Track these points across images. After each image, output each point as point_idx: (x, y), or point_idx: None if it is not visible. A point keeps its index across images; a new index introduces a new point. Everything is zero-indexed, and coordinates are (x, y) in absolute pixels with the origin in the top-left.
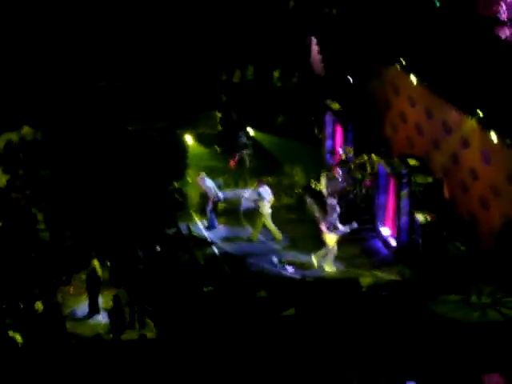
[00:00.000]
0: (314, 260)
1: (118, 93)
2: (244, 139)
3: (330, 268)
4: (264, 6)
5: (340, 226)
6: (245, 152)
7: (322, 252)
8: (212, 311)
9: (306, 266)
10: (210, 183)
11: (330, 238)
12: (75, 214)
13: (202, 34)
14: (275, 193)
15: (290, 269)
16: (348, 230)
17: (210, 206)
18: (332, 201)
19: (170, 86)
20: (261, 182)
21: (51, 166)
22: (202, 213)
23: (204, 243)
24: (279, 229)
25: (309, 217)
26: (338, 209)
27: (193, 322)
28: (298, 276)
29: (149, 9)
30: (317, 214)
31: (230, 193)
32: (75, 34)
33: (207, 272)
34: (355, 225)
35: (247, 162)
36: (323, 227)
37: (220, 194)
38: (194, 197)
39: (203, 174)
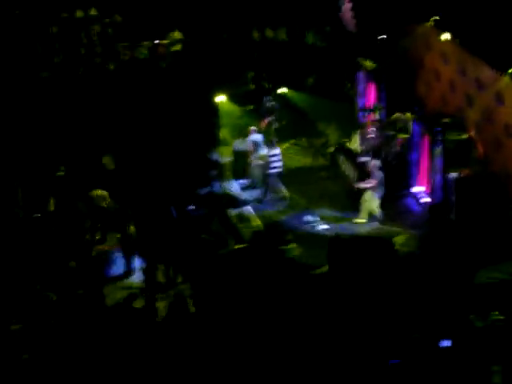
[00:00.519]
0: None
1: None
2: (270, 102)
3: (361, 219)
4: None
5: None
6: (271, 116)
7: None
8: (243, 268)
9: (339, 223)
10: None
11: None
12: (108, 173)
13: None
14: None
15: (324, 225)
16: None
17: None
18: (370, 160)
19: (200, 44)
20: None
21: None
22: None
23: (237, 202)
24: (314, 188)
25: (342, 174)
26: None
27: (224, 279)
28: (331, 233)
29: None
30: (349, 172)
31: None
32: None
33: (240, 230)
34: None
35: (273, 125)
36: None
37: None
38: (226, 155)
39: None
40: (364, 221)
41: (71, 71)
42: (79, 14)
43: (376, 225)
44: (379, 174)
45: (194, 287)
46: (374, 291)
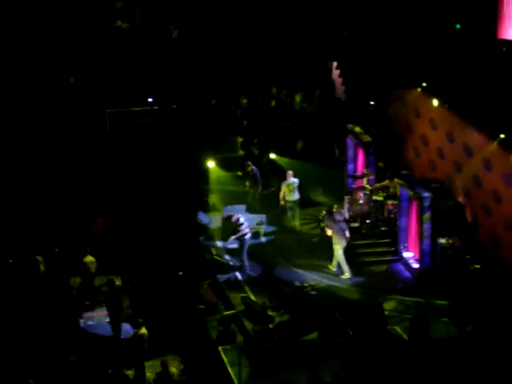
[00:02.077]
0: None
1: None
2: (249, 166)
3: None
4: (284, 31)
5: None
6: (248, 180)
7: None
8: (230, 334)
9: (330, 290)
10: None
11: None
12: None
13: (223, 58)
14: None
15: (313, 292)
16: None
17: None
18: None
19: (192, 110)
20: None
21: None
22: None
23: (226, 268)
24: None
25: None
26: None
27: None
28: (320, 299)
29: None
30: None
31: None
32: None
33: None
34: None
35: (255, 191)
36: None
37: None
38: (216, 219)
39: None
40: (347, 276)
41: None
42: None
43: (365, 290)
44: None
45: (183, 357)
46: (364, 357)
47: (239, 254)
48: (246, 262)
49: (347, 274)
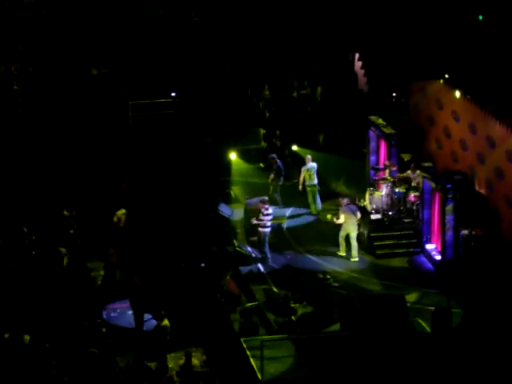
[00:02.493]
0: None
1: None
2: (274, 159)
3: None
4: (307, 22)
5: None
6: (277, 174)
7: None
8: (252, 325)
9: (352, 281)
10: None
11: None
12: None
13: (245, 50)
14: None
15: (335, 284)
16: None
17: None
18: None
19: (216, 102)
20: None
21: None
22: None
23: (249, 260)
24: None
25: None
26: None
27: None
28: (342, 290)
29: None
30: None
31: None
32: None
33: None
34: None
35: (279, 183)
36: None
37: None
38: (238, 211)
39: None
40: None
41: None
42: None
43: (388, 282)
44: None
45: (205, 349)
46: (386, 349)
47: (260, 245)
48: (268, 254)
49: (356, 259)
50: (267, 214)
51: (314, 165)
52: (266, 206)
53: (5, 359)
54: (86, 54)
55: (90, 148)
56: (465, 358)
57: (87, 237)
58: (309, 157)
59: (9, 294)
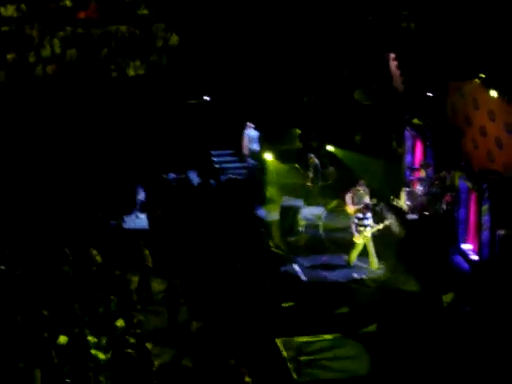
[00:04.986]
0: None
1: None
2: (312, 159)
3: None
4: (342, 23)
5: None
6: (310, 173)
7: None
8: (289, 324)
9: (389, 281)
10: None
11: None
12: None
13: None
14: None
15: (371, 285)
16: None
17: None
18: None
19: (253, 103)
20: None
21: None
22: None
23: (282, 259)
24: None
25: (388, 231)
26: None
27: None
28: (379, 291)
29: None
30: (396, 229)
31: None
32: None
33: (287, 287)
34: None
35: (316, 183)
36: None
37: None
38: (274, 213)
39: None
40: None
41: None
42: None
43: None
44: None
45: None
46: (424, 349)
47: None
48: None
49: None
50: (362, 219)
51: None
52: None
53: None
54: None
55: (127, 148)
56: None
57: (123, 238)
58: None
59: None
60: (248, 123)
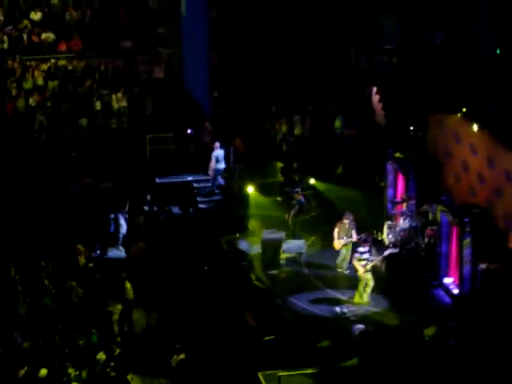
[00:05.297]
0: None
1: None
2: (298, 194)
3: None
4: (325, 57)
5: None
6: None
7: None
8: (271, 358)
9: (370, 315)
10: None
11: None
12: None
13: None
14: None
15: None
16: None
17: None
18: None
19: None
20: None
21: None
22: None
23: (266, 293)
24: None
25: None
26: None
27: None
28: (359, 325)
29: None
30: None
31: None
32: None
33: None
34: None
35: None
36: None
37: None
38: (256, 246)
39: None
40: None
41: None
42: None
43: (404, 316)
44: None
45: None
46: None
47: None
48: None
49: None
50: (363, 253)
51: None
52: (366, 247)
53: None
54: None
55: None
56: None
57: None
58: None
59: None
60: (216, 143)
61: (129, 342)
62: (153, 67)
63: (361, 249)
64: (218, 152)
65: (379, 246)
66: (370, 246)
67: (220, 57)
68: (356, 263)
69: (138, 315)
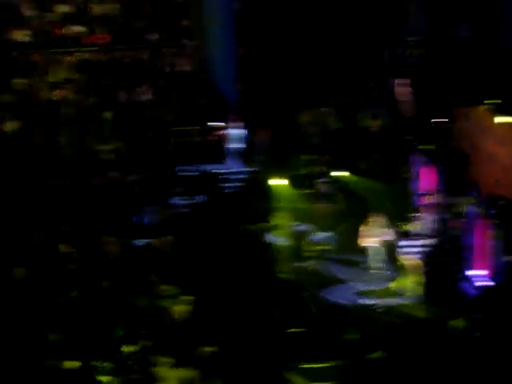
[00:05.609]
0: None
1: None
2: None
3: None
4: (349, 48)
5: None
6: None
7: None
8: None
9: (396, 307)
10: None
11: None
12: None
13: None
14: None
15: (379, 310)
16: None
17: None
18: None
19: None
20: None
21: None
22: None
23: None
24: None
25: None
26: None
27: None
28: (386, 317)
29: None
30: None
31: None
32: None
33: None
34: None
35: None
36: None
37: None
38: (283, 238)
39: None
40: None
41: None
42: None
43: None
44: None
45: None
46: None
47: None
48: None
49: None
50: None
51: None
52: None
53: None
54: None
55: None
56: None
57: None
58: None
59: None
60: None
61: (156, 334)
62: (178, 60)
63: (403, 242)
64: (235, 130)
65: (411, 238)
66: (409, 239)
67: (245, 49)
68: (400, 257)
69: (166, 306)
